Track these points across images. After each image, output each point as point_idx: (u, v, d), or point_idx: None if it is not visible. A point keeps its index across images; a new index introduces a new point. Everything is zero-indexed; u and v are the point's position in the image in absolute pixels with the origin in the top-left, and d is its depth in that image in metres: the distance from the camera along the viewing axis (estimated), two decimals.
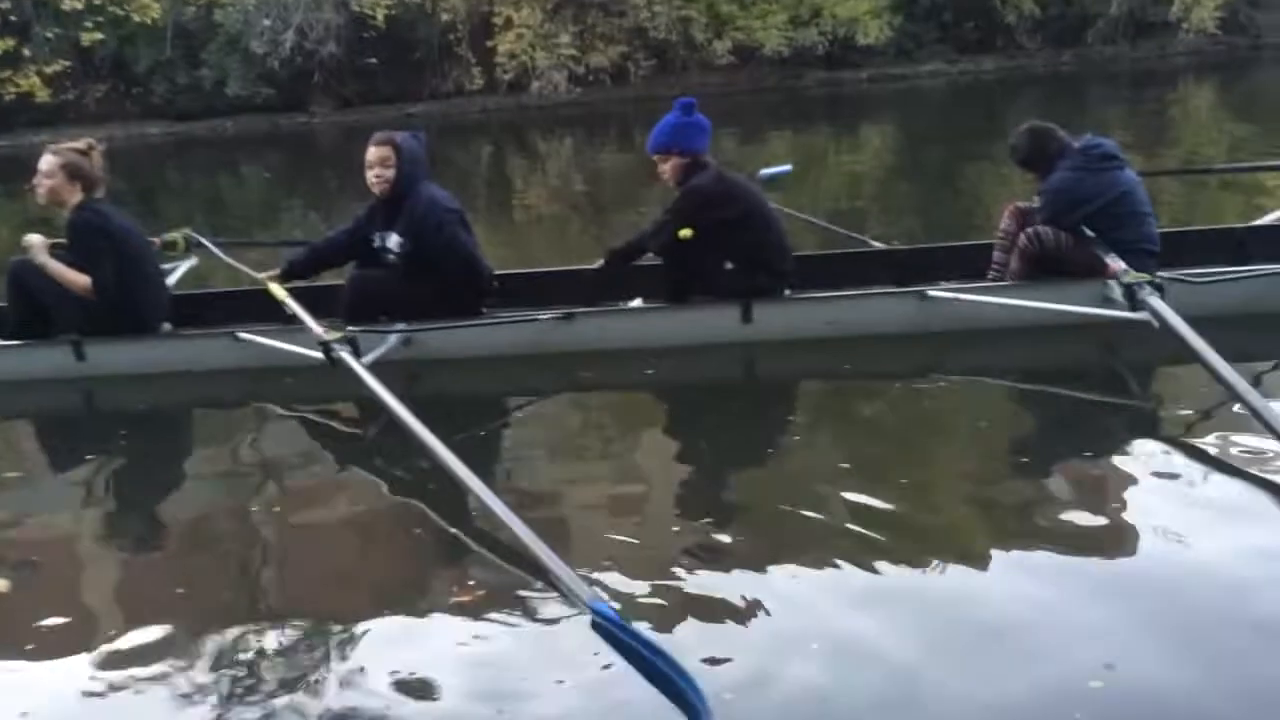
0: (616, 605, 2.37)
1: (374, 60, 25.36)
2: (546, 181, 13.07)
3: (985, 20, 25.15)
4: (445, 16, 24.98)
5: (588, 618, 2.30)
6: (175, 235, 5.00)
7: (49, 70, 25.68)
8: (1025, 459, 3.28)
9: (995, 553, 2.60)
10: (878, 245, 4.90)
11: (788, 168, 5.69)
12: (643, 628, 2.28)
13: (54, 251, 4.33)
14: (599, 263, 4.60)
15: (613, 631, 2.25)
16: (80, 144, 4.38)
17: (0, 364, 4.40)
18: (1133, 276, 3.75)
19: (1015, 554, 2.60)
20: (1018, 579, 2.48)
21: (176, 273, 4.94)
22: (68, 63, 25.83)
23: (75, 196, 4.29)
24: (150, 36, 25.63)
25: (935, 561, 2.54)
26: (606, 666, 2.22)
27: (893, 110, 19.26)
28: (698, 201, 4.09)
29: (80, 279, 4.25)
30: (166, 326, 4.51)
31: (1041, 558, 2.55)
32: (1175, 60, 23.44)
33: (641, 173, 13.34)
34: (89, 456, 3.84)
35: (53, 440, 4.26)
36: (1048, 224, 4.20)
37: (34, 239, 4.35)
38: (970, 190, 8.95)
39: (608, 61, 24.89)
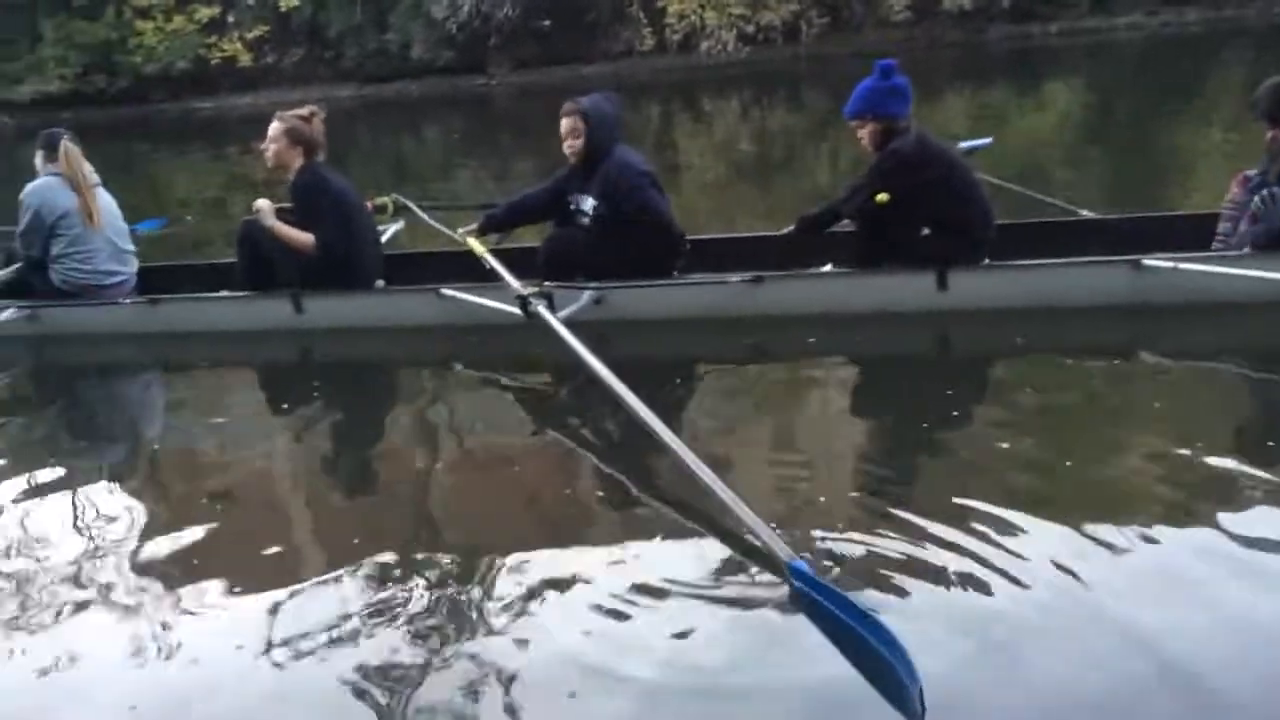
0: (815, 567, 2.28)
1: (548, 23, 25.82)
2: (712, 142, 12.97)
3: None
4: None
5: (783, 584, 2.23)
6: (385, 199, 5.28)
7: (250, 35, 27.45)
8: (1244, 455, 2.82)
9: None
10: (1086, 214, 4.59)
11: (988, 140, 5.39)
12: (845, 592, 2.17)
13: (279, 214, 4.63)
14: (788, 228, 4.55)
15: (812, 594, 2.15)
16: (303, 110, 4.63)
17: (227, 313, 4.78)
18: None
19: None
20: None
21: (385, 235, 5.18)
22: (267, 28, 27.53)
23: (297, 160, 4.54)
24: (342, 1, 26.93)
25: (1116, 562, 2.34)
26: (805, 630, 2.14)
27: (1084, 66, 18.10)
28: (896, 165, 3.97)
29: (304, 238, 4.52)
30: (380, 283, 4.76)
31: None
32: None
33: (811, 134, 13.19)
34: (297, 404, 4.11)
35: (267, 387, 4.55)
36: None
37: (263, 204, 4.67)
38: (1169, 155, 8.33)
39: (779, 19, 24.44)
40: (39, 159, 4.94)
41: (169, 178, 13.58)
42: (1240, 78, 13.57)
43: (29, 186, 4.88)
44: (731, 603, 2.31)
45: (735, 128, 14.63)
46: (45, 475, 3.44)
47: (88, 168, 4.93)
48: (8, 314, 4.78)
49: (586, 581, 2.45)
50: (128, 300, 4.86)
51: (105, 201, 4.97)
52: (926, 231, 4.10)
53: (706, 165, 11.02)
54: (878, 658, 1.94)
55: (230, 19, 27.68)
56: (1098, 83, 15.50)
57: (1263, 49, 16.97)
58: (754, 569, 2.41)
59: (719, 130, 14.43)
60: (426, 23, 25.89)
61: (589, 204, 4.35)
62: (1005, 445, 3.02)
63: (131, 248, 5.10)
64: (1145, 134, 9.45)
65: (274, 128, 4.52)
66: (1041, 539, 2.42)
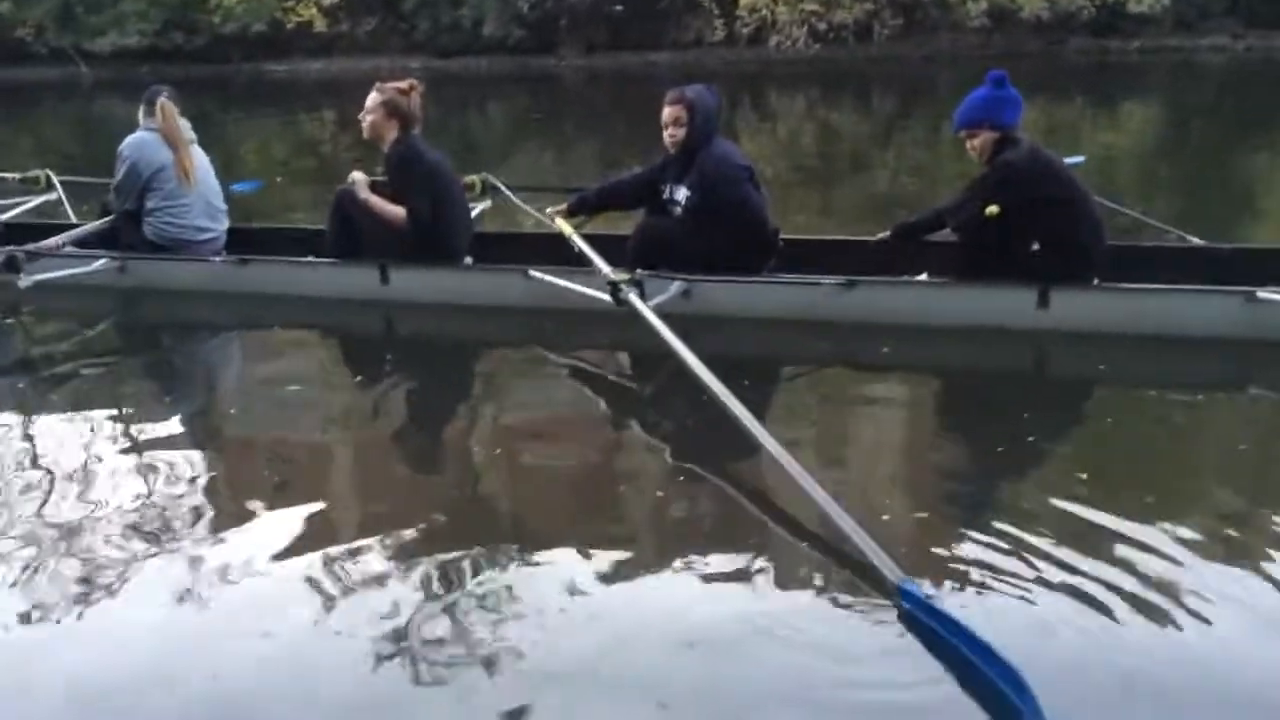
0: (929, 590, 2.18)
1: (620, 8, 25.78)
2: (775, 139, 12.82)
3: None
4: None
5: (891, 603, 2.16)
6: (474, 178, 5.31)
7: (326, 2, 27.68)
8: None
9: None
10: (1195, 241, 4.47)
11: (1080, 158, 5.27)
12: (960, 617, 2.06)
13: (373, 186, 4.68)
14: (883, 234, 4.48)
15: (925, 618, 2.05)
16: (403, 83, 4.65)
17: (314, 279, 4.83)
18: None
19: None
20: None
21: (473, 213, 5.13)
22: None
23: (393, 132, 4.58)
24: None
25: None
26: (916, 654, 2.06)
27: (1163, 85, 17.76)
28: (1009, 177, 3.90)
29: (396, 212, 4.56)
30: (468, 260, 4.77)
31: None
32: None
33: (877, 138, 13.07)
34: (374, 375, 4.14)
35: (346, 356, 4.58)
36: None
37: (358, 176, 4.73)
38: (1240, 184, 8.07)
39: (851, 18, 24.20)
40: (141, 113, 5.04)
41: (241, 138, 13.82)
42: None
43: (127, 140, 4.98)
44: (834, 620, 2.22)
45: (800, 126, 14.49)
46: (118, 427, 3.51)
47: (184, 124, 5.02)
48: (99, 264, 4.89)
49: (672, 592, 2.37)
50: (217, 258, 4.96)
51: (200, 159, 5.07)
52: (1036, 247, 4.00)
53: (767, 162, 10.92)
54: (994, 687, 1.88)
55: None
56: (1177, 104, 15.18)
57: None
58: (859, 585, 2.31)
59: (783, 127, 14.30)
60: (500, 0, 25.98)
61: (682, 194, 4.31)
62: (1104, 473, 2.95)
63: (224, 206, 5.19)
64: (1222, 160, 9.22)
65: (372, 99, 4.55)
66: (1154, 573, 2.34)
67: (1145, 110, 14.50)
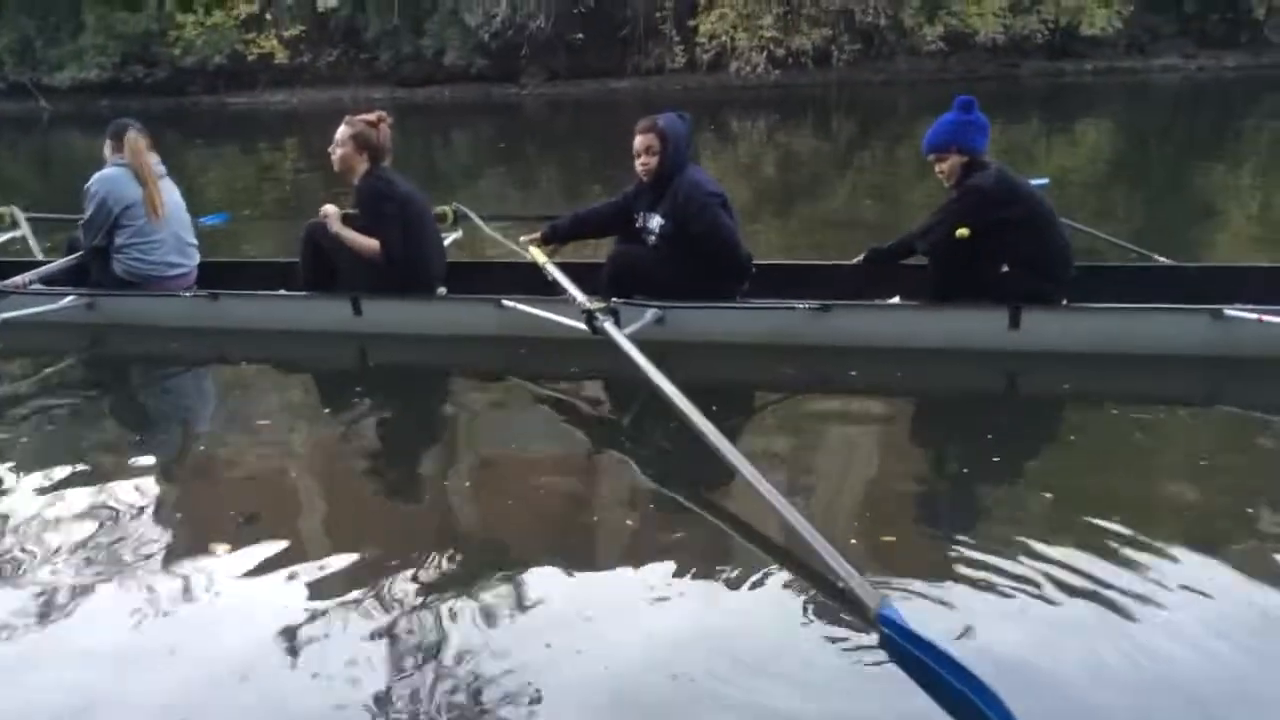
0: (908, 615, 2.15)
1: (581, 36, 26.01)
2: (736, 163, 12.91)
3: (1231, 12, 23.25)
4: None
5: (871, 630, 2.16)
6: (445, 209, 5.30)
7: (287, 34, 27.69)
8: None
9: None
10: (1161, 260, 4.57)
11: (1045, 180, 5.37)
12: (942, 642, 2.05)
13: (344, 218, 4.67)
14: (858, 259, 4.53)
15: (904, 643, 2.05)
16: (371, 116, 4.67)
17: (285, 312, 4.83)
18: None
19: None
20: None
21: (444, 243, 5.13)
22: (304, 27, 27.78)
23: (363, 165, 4.60)
24: (380, 5, 27.18)
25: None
26: (895, 680, 2.06)
27: (1117, 107, 18.14)
28: (979, 199, 3.99)
29: (369, 243, 4.56)
30: (442, 291, 4.78)
31: None
32: None
33: (837, 161, 13.25)
34: (348, 406, 4.09)
35: (320, 388, 4.54)
36: None
37: (329, 208, 4.72)
38: (1197, 202, 8.24)
39: (810, 44, 24.57)
40: (107, 148, 4.99)
41: (203, 169, 13.73)
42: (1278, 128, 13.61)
43: (96, 176, 4.93)
44: (810, 647, 2.21)
45: (760, 150, 14.63)
46: (86, 463, 3.48)
47: (154, 159, 4.98)
48: (67, 300, 4.85)
49: (646, 618, 2.36)
50: (188, 293, 4.93)
51: (170, 194, 5.03)
52: (1005, 269, 4.06)
53: (729, 186, 10.97)
54: (976, 712, 1.89)
55: (268, 16, 27.94)
56: (1131, 124, 15.52)
57: None
58: (838, 612, 2.30)
59: (744, 151, 14.42)
60: (461, 30, 26.11)
61: (656, 222, 4.34)
62: (1074, 489, 2.99)
63: (194, 241, 5.16)
64: (1176, 179, 9.42)
65: (341, 132, 4.57)
66: (1125, 586, 2.38)
67: (1100, 131, 14.81)
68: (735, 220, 4.37)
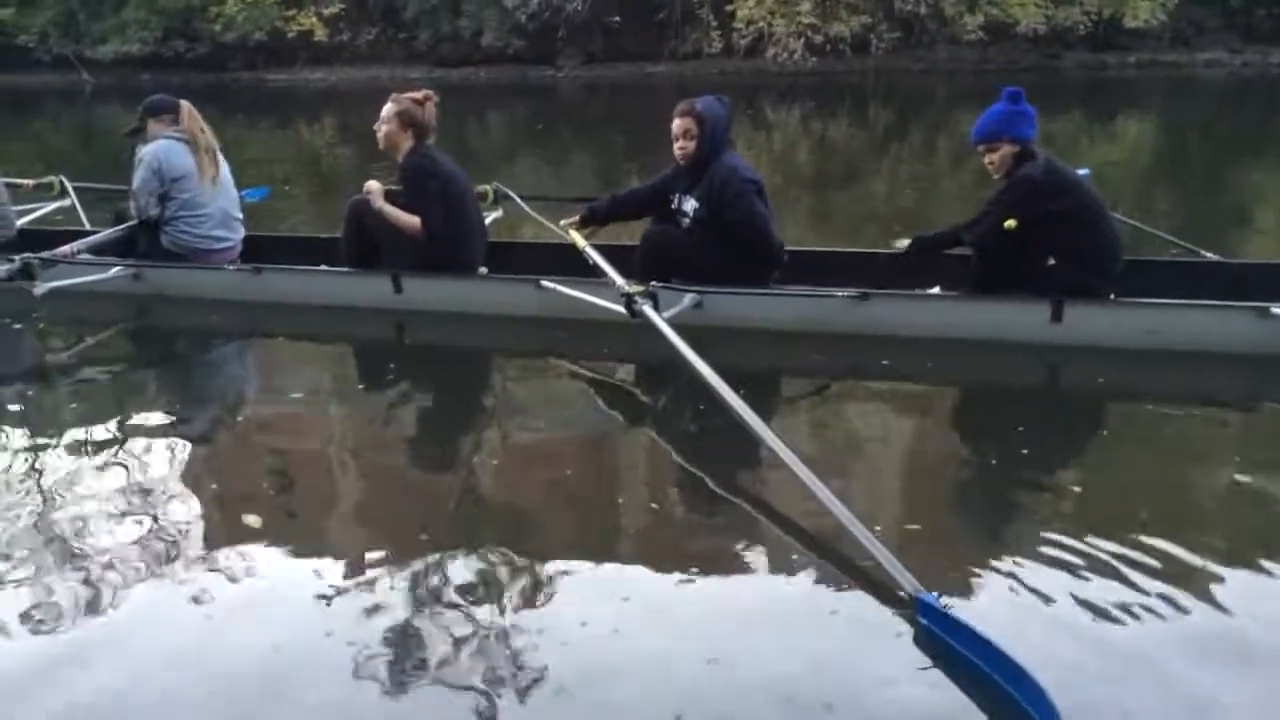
0: (946, 601, 2.16)
1: (618, 19, 25.93)
2: (770, 151, 12.82)
3: (1278, 6, 22.80)
4: None
5: (908, 615, 2.16)
6: (486, 188, 5.30)
7: (327, 12, 27.82)
8: None
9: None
10: (1209, 256, 4.50)
11: (1086, 170, 5.33)
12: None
13: (387, 195, 4.71)
14: (901, 245, 4.48)
15: (941, 630, 2.05)
16: (417, 94, 4.70)
17: (327, 287, 4.88)
18: None
19: None
20: None
21: (485, 222, 5.15)
22: (344, 5, 27.90)
23: (408, 142, 4.62)
24: None
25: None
26: (927, 669, 2.06)
27: (1160, 101, 17.90)
28: (1029, 190, 3.94)
29: (411, 220, 4.59)
30: (483, 270, 4.81)
31: None
32: None
33: (873, 150, 13.15)
34: (385, 383, 4.17)
35: (358, 364, 4.60)
36: None
37: (373, 185, 4.76)
38: (1239, 199, 8.10)
39: (848, 31, 24.35)
40: (153, 123, 5.02)
41: (242, 145, 13.85)
42: None
43: (149, 146, 4.96)
44: (851, 633, 2.22)
45: (796, 138, 14.54)
46: (126, 430, 3.55)
47: (209, 131, 5.05)
48: (114, 271, 4.92)
49: (687, 606, 2.36)
50: (232, 266, 5.00)
51: (222, 167, 5.09)
52: (1051, 261, 4.02)
53: (764, 174, 10.89)
54: (1015, 701, 1.89)
55: None
56: (1174, 119, 15.30)
57: None
58: (875, 598, 2.32)
59: (779, 139, 14.34)
60: (499, 11, 26.12)
61: (690, 205, 4.35)
62: (1117, 486, 2.98)
63: (240, 216, 5.22)
64: (1219, 175, 9.28)
65: (387, 109, 4.59)
66: (1155, 587, 2.36)
67: (1142, 125, 14.61)
68: (770, 208, 4.36)
